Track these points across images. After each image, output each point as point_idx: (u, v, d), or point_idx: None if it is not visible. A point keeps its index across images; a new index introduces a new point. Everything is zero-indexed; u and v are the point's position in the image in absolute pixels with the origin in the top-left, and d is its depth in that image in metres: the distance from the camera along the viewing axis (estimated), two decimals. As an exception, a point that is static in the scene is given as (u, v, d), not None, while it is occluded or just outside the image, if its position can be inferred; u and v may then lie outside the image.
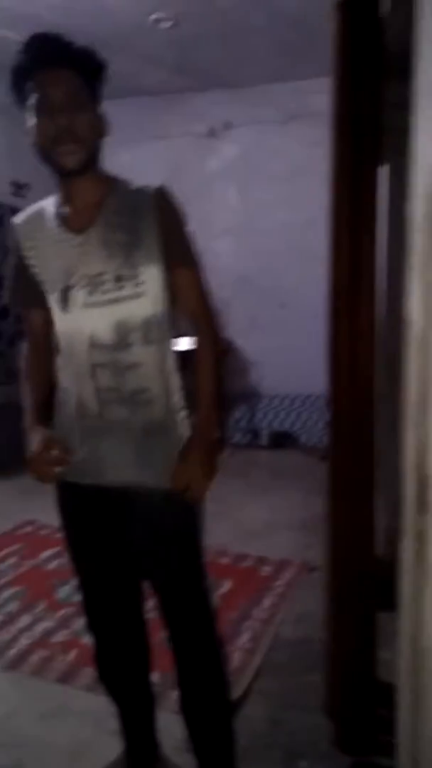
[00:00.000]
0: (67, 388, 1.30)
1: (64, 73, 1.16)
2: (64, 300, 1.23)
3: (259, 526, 3.26)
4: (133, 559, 1.36)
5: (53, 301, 1.26)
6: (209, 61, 4.57)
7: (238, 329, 4.80)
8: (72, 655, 2.09)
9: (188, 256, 1.27)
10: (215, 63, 4.59)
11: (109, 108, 1.26)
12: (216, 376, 1.30)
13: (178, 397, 1.27)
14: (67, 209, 1.25)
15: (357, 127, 1.45)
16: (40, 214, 1.29)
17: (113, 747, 1.58)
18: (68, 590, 2.57)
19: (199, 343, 1.31)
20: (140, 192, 1.24)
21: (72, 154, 1.17)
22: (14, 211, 5.34)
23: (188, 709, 1.41)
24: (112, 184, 1.26)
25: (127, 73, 4.58)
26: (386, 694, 1.68)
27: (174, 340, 1.28)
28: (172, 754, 1.59)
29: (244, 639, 2.14)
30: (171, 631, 1.36)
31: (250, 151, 5.06)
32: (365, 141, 1.45)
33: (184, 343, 1.30)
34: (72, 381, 1.28)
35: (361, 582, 1.53)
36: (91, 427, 1.27)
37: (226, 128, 5.08)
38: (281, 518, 3.43)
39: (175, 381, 1.27)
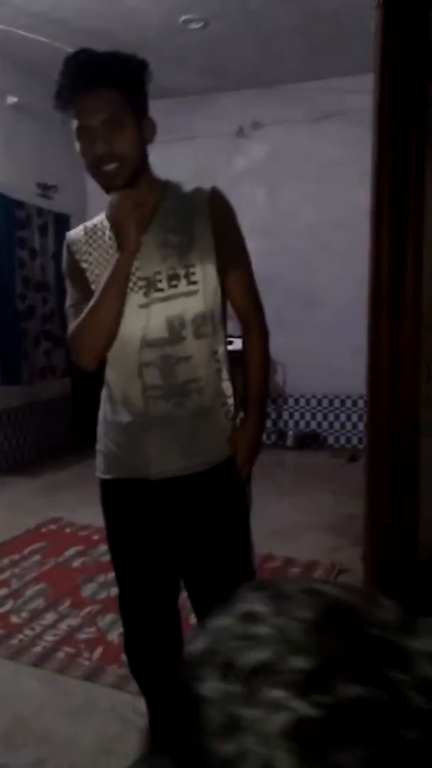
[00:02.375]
0: (113, 387, 1.33)
1: (102, 94, 1.17)
2: None
3: (285, 527, 3.21)
4: (177, 552, 1.34)
5: None
6: (239, 61, 4.56)
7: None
8: (98, 652, 2.07)
9: (240, 255, 1.30)
10: (245, 63, 4.58)
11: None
12: (266, 369, 1.35)
13: (226, 385, 1.31)
14: None
15: (401, 126, 1.41)
16: (93, 229, 1.33)
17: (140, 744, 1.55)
18: (94, 588, 2.55)
19: (250, 337, 1.34)
20: (194, 194, 1.27)
21: (116, 176, 1.21)
22: (40, 211, 5.42)
23: None
24: (164, 189, 1.29)
25: (154, 75, 4.57)
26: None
27: (224, 333, 1.32)
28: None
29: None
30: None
31: (278, 151, 5.04)
32: (410, 139, 1.41)
33: (236, 344, 1.34)
34: (118, 380, 1.31)
35: (401, 588, 1.47)
36: (136, 423, 1.29)
37: (254, 128, 5.06)
38: (308, 519, 3.37)
39: (225, 370, 1.31)
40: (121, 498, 1.36)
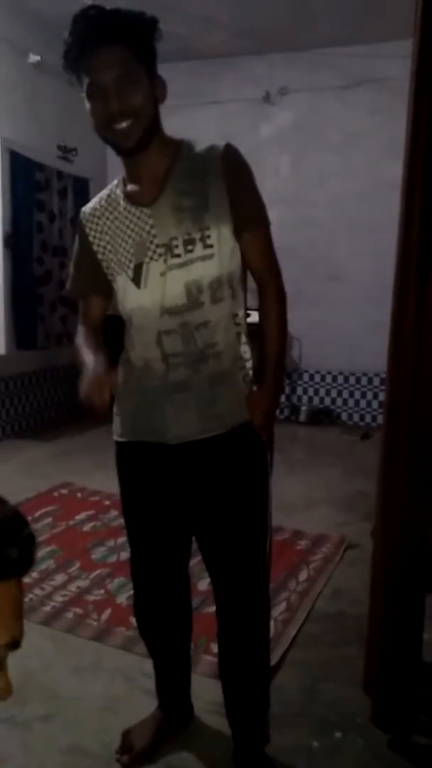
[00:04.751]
0: (132, 353, 1.32)
1: (112, 51, 1.13)
2: (138, 275, 1.24)
3: (296, 501, 3.21)
4: (192, 514, 1.34)
5: (123, 281, 1.27)
6: (268, 23, 4.40)
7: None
8: (106, 614, 2.10)
9: (258, 214, 1.26)
10: (275, 25, 4.43)
11: (160, 72, 1.22)
12: (283, 331, 1.32)
13: (245, 349, 1.29)
14: (134, 185, 1.25)
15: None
16: (107, 200, 1.31)
17: (145, 704, 1.58)
18: (103, 551, 2.59)
19: (266, 299, 1.31)
20: (207, 154, 1.23)
21: (128, 135, 1.17)
22: (60, 174, 5.34)
23: (228, 669, 1.40)
24: (177, 149, 1.24)
25: (181, 35, 4.46)
26: (428, 675, 1.63)
27: (244, 295, 1.29)
28: (205, 716, 1.58)
29: (279, 610, 2.10)
30: (223, 586, 1.34)
31: (305, 118, 4.90)
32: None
33: (254, 317, 1.30)
34: (138, 347, 1.30)
35: (412, 563, 1.46)
36: (155, 387, 1.28)
37: (281, 93, 4.91)
38: (319, 494, 3.37)
39: (244, 334, 1.29)
40: (136, 461, 1.35)
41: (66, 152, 4.76)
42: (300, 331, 4.93)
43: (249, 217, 1.24)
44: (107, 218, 1.29)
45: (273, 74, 4.90)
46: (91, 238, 1.31)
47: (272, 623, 1.98)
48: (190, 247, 1.20)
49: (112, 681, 1.76)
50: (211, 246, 1.20)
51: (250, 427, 1.28)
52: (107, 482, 2.95)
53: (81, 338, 1.38)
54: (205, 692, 1.61)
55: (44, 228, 4.37)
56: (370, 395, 5.03)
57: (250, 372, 1.30)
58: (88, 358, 1.29)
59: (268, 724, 1.42)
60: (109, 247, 1.29)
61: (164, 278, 1.22)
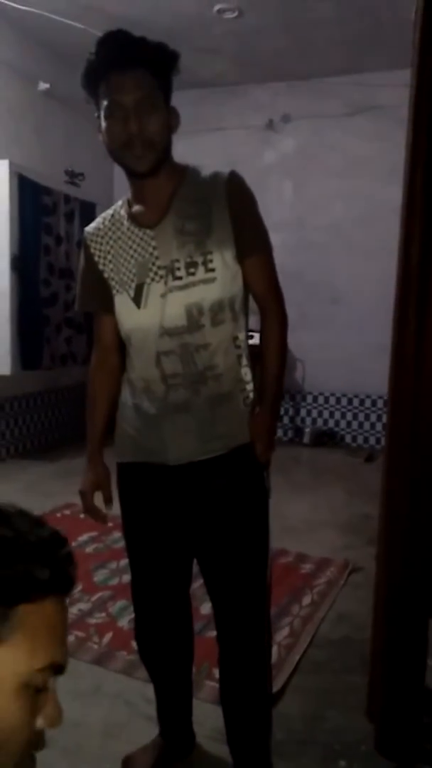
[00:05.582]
0: (133, 374, 1.33)
1: (137, 74, 1.15)
2: (139, 296, 1.25)
3: (299, 524, 3.19)
4: (192, 536, 1.34)
5: (124, 300, 1.28)
6: (271, 53, 4.51)
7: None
8: (107, 638, 2.08)
9: (261, 240, 1.28)
10: (277, 54, 4.54)
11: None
12: (282, 354, 1.34)
13: (245, 371, 1.30)
14: (139, 207, 1.27)
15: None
16: (111, 219, 1.33)
17: (146, 730, 1.56)
18: (106, 574, 2.57)
19: (267, 322, 1.33)
20: (212, 180, 1.25)
21: (144, 159, 1.19)
22: (67, 198, 5.40)
23: (229, 694, 1.38)
24: (183, 175, 1.27)
25: (186, 64, 4.53)
26: (433, 701, 1.60)
27: (246, 320, 1.31)
28: (206, 743, 1.55)
29: (282, 635, 2.08)
30: (223, 609, 1.34)
31: (308, 145, 4.99)
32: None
33: (256, 339, 1.32)
34: (138, 368, 1.32)
35: (415, 587, 1.45)
36: (155, 409, 1.29)
37: (284, 121, 5.02)
38: (322, 517, 3.35)
39: (245, 357, 1.30)
40: (137, 482, 1.36)
41: (73, 177, 4.85)
42: (303, 354, 4.95)
43: (252, 243, 1.26)
44: (110, 237, 1.30)
45: (276, 102, 5.01)
46: (96, 258, 1.33)
47: (275, 648, 1.96)
48: (192, 270, 1.22)
49: (112, 706, 1.74)
50: (213, 270, 1.22)
51: (249, 449, 1.29)
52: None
53: (92, 375, 1.44)
54: (208, 718, 1.59)
55: (51, 251, 4.43)
56: (373, 417, 5.03)
57: (251, 394, 1.31)
58: (92, 425, 1.44)
59: (270, 751, 1.40)
60: (111, 266, 1.30)
61: (164, 299, 1.23)
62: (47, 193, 4.37)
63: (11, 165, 3.98)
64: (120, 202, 1.33)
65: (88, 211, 4.75)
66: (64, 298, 4.52)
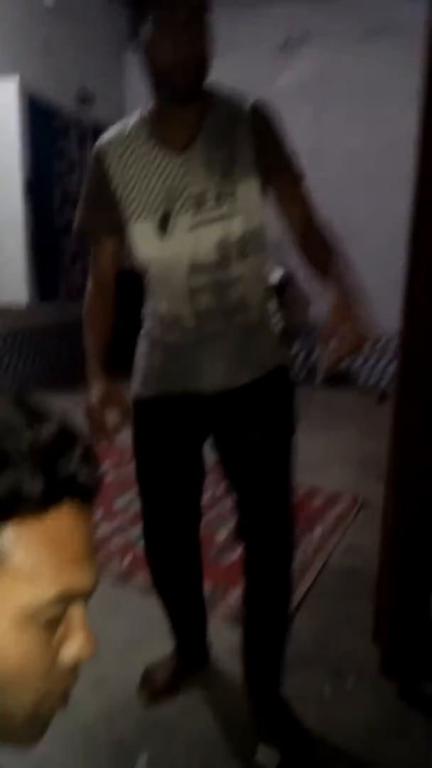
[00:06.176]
0: (160, 308, 1.30)
1: None
2: (164, 225, 1.20)
3: (311, 460, 3.24)
4: (224, 458, 1.37)
5: (145, 229, 1.22)
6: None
7: (299, 261, 4.66)
8: (127, 559, 2.18)
9: (291, 166, 1.26)
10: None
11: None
12: (336, 250, 1.25)
13: (272, 304, 1.33)
14: (166, 128, 1.20)
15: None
16: (129, 135, 1.23)
17: (165, 643, 1.66)
18: (125, 500, 2.67)
19: (317, 235, 1.26)
20: (237, 107, 1.22)
21: (190, 81, 1.12)
22: (79, 121, 5.17)
23: (254, 604, 1.43)
24: (211, 98, 1.21)
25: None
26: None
27: (266, 252, 1.29)
28: (222, 658, 1.66)
29: (294, 563, 2.17)
30: (252, 535, 1.37)
31: (326, 68, 4.70)
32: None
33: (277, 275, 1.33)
34: (166, 303, 1.28)
35: (423, 517, 1.50)
36: (187, 340, 1.28)
37: (301, 41, 4.71)
38: (334, 455, 3.41)
39: (269, 290, 1.31)
40: (159, 416, 1.35)
41: (84, 98, 4.64)
42: (319, 291, 4.88)
43: (281, 167, 1.24)
44: (130, 156, 1.21)
45: (293, 21, 4.68)
46: (110, 175, 1.23)
47: (288, 575, 2.06)
48: (220, 202, 1.19)
49: (133, 622, 1.85)
50: (239, 201, 1.20)
51: (280, 371, 1.31)
52: (126, 435, 3.01)
53: (88, 301, 1.39)
54: (222, 636, 1.69)
55: (64, 178, 4.31)
56: (386, 357, 5.01)
57: (280, 324, 1.33)
58: (91, 347, 1.38)
59: (283, 669, 1.48)
60: (129, 188, 1.22)
61: (193, 234, 1.20)
62: (58, 114, 4.20)
63: (21, 84, 3.79)
64: (135, 117, 1.24)
65: (101, 135, 4.58)
66: (78, 229, 4.45)
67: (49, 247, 4.20)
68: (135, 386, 1.39)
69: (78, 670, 0.51)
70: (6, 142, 3.85)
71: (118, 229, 1.27)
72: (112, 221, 1.26)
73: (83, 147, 4.50)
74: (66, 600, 0.47)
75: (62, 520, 0.47)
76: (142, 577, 2.06)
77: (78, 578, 0.48)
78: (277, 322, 1.32)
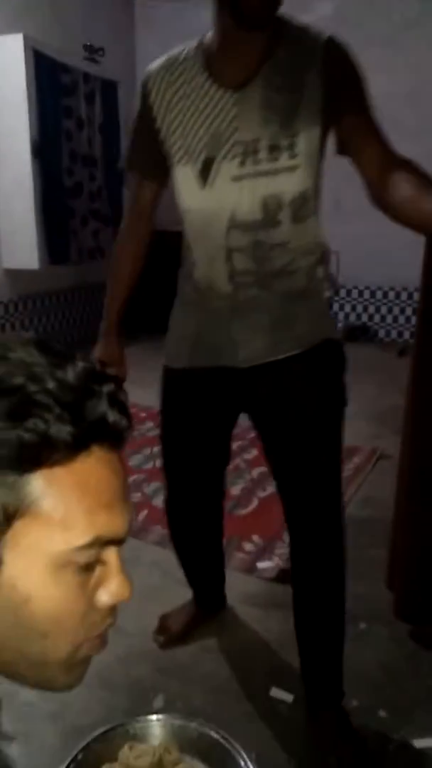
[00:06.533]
0: (195, 269, 1.18)
1: None
2: (206, 172, 1.07)
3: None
4: (265, 437, 1.25)
5: (186, 174, 1.10)
6: None
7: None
8: (143, 514, 2.22)
9: (366, 105, 1.12)
10: None
11: None
12: None
13: (321, 269, 1.17)
14: (223, 61, 1.06)
15: None
16: (182, 66, 1.10)
17: (179, 594, 1.69)
18: (140, 459, 2.70)
19: (402, 165, 1.09)
20: (311, 43, 1.07)
21: (267, 7, 0.99)
22: (87, 77, 4.99)
23: (305, 607, 1.29)
24: (282, 30, 1.06)
25: None
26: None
27: (319, 215, 1.16)
28: (237, 606, 1.69)
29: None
30: (299, 515, 1.24)
31: (347, 5, 4.46)
32: None
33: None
34: (201, 262, 1.16)
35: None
36: (222, 307, 1.16)
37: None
38: (352, 408, 3.30)
39: (320, 257, 1.16)
40: (191, 388, 1.26)
41: (92, 52, 4.50)
42: (338, 246, 4.73)
43: (361, 107, 1.10)
44: (178, 89, 1.09)
45: None
46: (155, 109, 1.11)
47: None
48: (275, 155, 1.04)
49: (149, 573, 1.89)
50: (297, 156, 1.05)
51: (329, 345, 1.18)
52: (142, 396, 3.02)
53: (119, 243, 1.30)
54: (236, 585, 1.71)
55: (73, 136, 4.22)
56: (408, 311, 4.90)
57: (327, 292, 1.19)
58: (111, 296, 1.31)
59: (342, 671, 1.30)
60: (174, 126, 1.09)
61: (238, 186, 1.06)
62: (65, 70, 4.08)
63: (25, 39, 3.68)
64: (194, 45, 1.10)
65: (110, 91, 4.46)
66: (88, 189, 4.38)
67: (59, 210, 4.15)
68: (167, 354, 1.30)
69: (115, 613, 0.51)
70: (12, 100, 3.76)
71: (161, 171, 1.16)
72: (155, 161, 1.15)
73: (91, 104, 4.39)
74: (100, 545, 0.47)
75: (92, 465, 0.46)
76: (158, 530, 2.09)
77: (110, 523, 0.47)
78: (326, 289, 1.18)
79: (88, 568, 0.47)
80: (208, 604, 1.64)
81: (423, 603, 1.58)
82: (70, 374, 0.45)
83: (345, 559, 1.27)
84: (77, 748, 1.09)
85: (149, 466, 2.63)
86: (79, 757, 1.09)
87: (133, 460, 2.69)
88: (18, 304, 4.32)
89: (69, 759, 1.08)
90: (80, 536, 0.45)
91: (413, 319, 4.86)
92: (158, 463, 2.58)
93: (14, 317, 4.31)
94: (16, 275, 4.14)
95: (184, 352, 1.24)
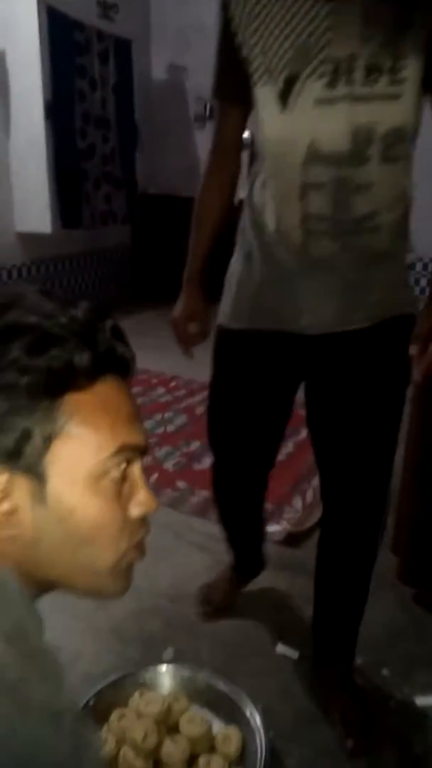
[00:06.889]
0: (264, 211, 1.04)
1: None
2: (287, 93, 0.92)
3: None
4: (316, 410, 1.17)
5: (266, 95, 0.94)
6: None
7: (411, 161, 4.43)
8: (154, 477, 2.25)
9: None
10: None
11: None
12: None
13: (405, 228, 1.04)
14: None
15: None
16: None
17: (191, 554, 1.74)
18: (151, 424, 2.73)
19: None
20: None
21: None
22: (101, 35, 4.81)
23: (327, 590, 1.28)
24: None
25: None
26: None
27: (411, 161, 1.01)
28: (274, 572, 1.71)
29: (316, 481, 2.20)
30: (350, 491, 1.17)
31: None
32: None
33: None
34: (271, 201, 1.01)
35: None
36: (289, 263, 1.03)
37: None
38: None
39: (409, 205, 1.03)
40: (248, 351, 1.15)
41: (106, 9, 4.38)
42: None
43: None
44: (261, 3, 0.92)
45: None
46: (235, 21, 0.95)
47: (310, 491, 2.09)
48: (374, 77, 0.88)
49: (161, 535, 1.93)
50: (402, 83, 0.89)
51: (403, 321, 1.06)
52: (154, 362, 3.05)
53: (205, 179, 1.16)
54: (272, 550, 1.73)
55: (86, 96, 4.14)
56: (423, 282, 4.83)
57: (410, 255, 1.08)
58: (196, 239, 1.19)
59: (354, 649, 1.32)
60: (255, 40, 0.93)
61: (321, 111, 0.90)
62: (79, 28, 3.98)
63: (39, -6, 3.57)
64: None
65: (124, 50, 4.35)
66: (101, 151, 4.31)
67: (72, 173, 4.10)
68: (222, 312, 1.17)
69: (147, 525, 0.59)
70: (26, 58, 3.68)
71: (247, 94, 0.98)
72: (237, 85, 0.99)
73: (105, 64, 4.29)
74: (124, 455, 0.53)
75: (109, 388, 0.53)
76: (169, 493, 2.13)
77: (131, 434, 0.54)
78: (408, 252, 1.06)
79: (118, 482, 0.54)
80: (247, 570, 1.60)
81: (427, 568, 1.61)
82: (79, 312, 0.52)
83: (383, 534, 1.25)
84: (89, 694, 1.16)
85: (160, 430, 2.66)
86: (92, 702, 1.15)
87: (145, 425, 2.72)
88: (31, 268, 4.32)
89: (82, 704, 1.13)
90: (108, 447, 0.52)
91: (426, 291, 4.80)
92: (169, 428, 2.64)
93: (26, 281, 4.31)
94: (28, 239, 4.12)
95: (244, 311, 1.12)
